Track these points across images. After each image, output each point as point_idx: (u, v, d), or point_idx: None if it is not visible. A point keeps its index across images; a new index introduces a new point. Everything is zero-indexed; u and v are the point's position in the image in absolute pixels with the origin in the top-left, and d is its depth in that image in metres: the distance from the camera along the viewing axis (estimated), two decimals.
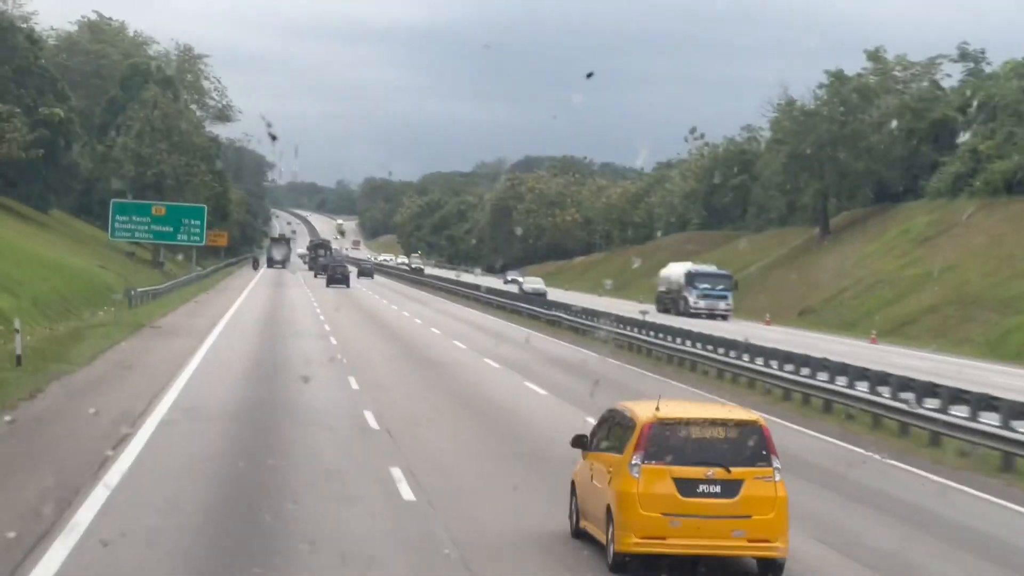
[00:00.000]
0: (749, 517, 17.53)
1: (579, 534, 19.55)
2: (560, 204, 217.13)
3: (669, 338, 53.20)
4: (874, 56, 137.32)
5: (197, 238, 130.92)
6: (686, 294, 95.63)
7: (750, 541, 17.61)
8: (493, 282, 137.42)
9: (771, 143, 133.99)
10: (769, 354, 45.10)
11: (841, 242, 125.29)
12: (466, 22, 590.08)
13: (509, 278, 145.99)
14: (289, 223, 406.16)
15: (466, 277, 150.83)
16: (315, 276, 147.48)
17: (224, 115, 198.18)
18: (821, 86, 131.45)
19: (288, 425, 30.34)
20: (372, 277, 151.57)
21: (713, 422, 17.91)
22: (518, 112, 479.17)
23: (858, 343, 75.67)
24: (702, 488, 17.54)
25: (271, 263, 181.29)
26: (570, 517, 19.96)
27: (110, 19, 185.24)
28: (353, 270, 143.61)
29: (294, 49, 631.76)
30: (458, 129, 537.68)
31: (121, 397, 33.65)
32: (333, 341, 55.28)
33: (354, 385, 39.12)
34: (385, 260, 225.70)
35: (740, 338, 50.86)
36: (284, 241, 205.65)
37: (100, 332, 54.76)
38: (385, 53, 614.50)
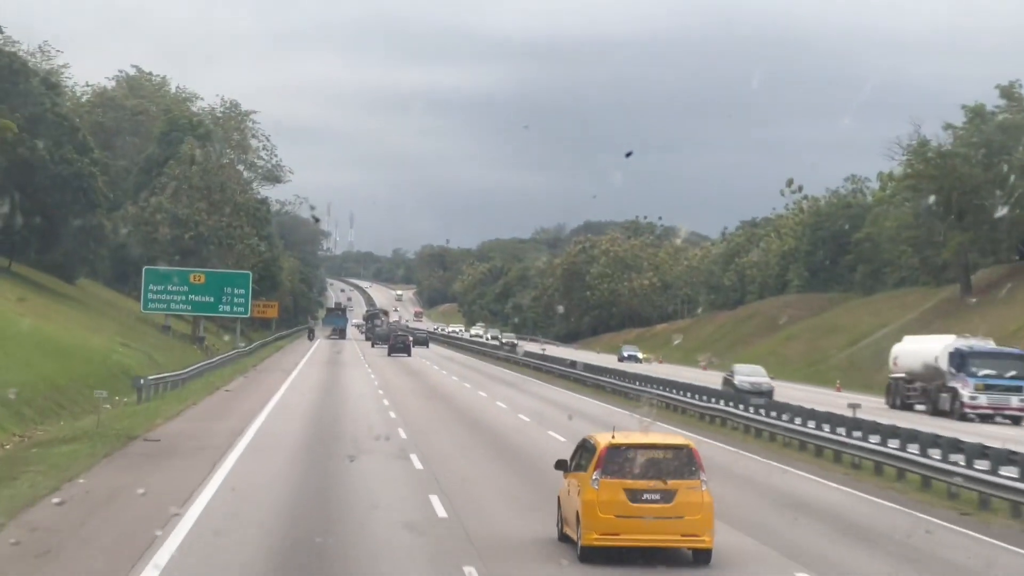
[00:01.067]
0: (682, 518, 21.87)
1: (563, 538, 23.62)
2: (636, 267, 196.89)
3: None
4: (1007, 92, 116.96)
5: (241, 309, 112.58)
6: (955, 384, 63.72)
7: (683, 536, 22.05)
8: (572, 355, 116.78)
9: (902, 189, 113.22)
10: None
11: (992, 304, 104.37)
12: (521, 91, 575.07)
13: (626, 354, 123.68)
14: (343, 290, 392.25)
15: (550, 350, 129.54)
16: (372, 346, 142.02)
17: (274, 175, 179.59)
18: (948, 127, 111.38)
19: None
20: (428, 346, 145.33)
21: (654, 446, 22.62)
22: (574, 178, 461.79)
23: None
24: (646, 496, 21.92)
25: (327, 333, 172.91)
26: (557, 525, 24.15)
27: (150, 74, 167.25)
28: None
29: (349, 119, 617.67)
30: (514, 196, 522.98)
31: None
32: (417, 463, 35.03)
33: None
34: (454, 332, 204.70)
35: None
36: (340, 311, 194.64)
37: (61, 453, 34.98)
38: (441, 123, 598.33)
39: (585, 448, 23.34)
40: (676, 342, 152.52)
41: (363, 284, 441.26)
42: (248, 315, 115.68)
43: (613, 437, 22.53)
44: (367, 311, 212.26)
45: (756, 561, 22.97)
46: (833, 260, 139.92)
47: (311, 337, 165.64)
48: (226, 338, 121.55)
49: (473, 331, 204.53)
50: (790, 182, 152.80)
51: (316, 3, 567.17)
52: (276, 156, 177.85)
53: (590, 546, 21.84)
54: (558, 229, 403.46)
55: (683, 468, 21.97)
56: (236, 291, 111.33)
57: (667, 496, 21.73)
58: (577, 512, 22.32)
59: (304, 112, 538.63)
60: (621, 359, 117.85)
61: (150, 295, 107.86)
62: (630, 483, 21.82)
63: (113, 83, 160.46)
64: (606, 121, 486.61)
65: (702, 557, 22.11)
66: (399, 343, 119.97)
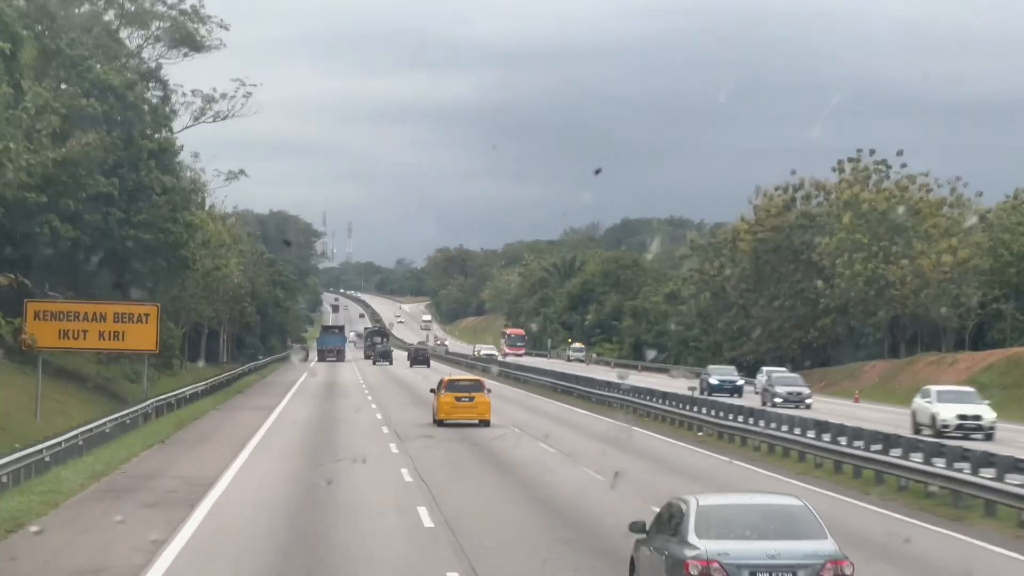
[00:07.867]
0: (477, 408, 52.42)
1: (433, 422, 53.44)
2: (918, 233, 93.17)
3: None
4: None
5: None
6: None
7: (478, 416, 52.33)
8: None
9: None
10: None
11: None
12: (514, 100, 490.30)
13: None
14: (335, 298, 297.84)
15: None
16: (373, 363, 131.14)
17: (187, 35, 75.36)
18: None
19: None
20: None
21: (466, 379, 57.78)
22: (580, 184, 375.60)
23: None
24: (462, 399, 52.59)
25: (322, 355, 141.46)
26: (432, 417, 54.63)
27: None
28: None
29: (341, 134, 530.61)
30: (518, 204, 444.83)
31: None
32: None
33: None
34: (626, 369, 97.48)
35: None
36: (337, 329, 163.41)
37: None
38: (437, 134, 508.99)
39: (440, 382, 54.41)
40: None
41: (390, 305, 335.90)
42: None
43: (451, 375, 58.76)
44: (367, 329, 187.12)
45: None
46: None
47: (305, 359, 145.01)
48: None
49: (574, 355, 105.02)
50: None
51: (288, 13, 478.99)
52: None
53: (439, 420, 52.15)
54: (591, 228, 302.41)
55: (478, 388, 53.31)
56: None
57: (471, 400, 52.14)
58: (436, 407, 53.01)
59: (296, 126, 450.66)
60: None
61: None
62: (456, 394, 52.36)
63: None
64: (594, 126, 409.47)
65: (487, 424, 51.50)
66: (420, 356, 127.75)
